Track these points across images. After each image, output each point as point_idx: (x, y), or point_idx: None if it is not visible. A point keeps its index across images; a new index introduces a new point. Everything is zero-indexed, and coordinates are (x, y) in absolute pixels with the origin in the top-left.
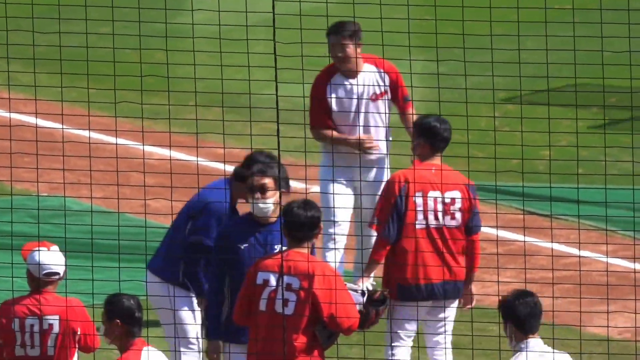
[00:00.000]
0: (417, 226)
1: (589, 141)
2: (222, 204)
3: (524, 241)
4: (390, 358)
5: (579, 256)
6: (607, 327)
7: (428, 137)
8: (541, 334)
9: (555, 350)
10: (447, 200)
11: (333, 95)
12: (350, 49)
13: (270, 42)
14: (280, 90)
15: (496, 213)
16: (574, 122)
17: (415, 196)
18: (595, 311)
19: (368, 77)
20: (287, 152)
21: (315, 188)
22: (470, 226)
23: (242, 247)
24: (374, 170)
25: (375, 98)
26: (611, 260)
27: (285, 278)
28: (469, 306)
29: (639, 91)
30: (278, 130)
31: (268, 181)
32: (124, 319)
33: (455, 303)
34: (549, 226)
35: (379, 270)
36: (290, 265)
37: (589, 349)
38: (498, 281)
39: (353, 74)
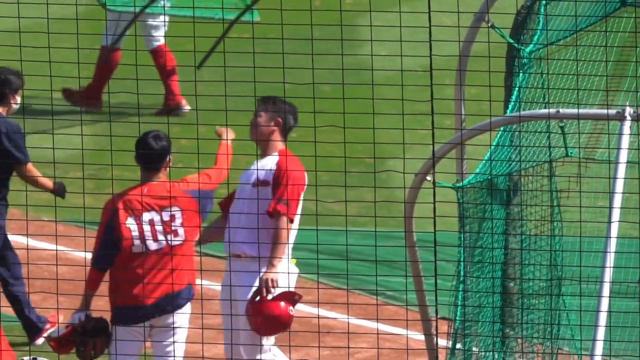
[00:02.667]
0: (134, 251)
1: None
2: None
3: (201, 284)
4: None
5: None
6: None
7: (138, 157)
8: None
9: None
10: (167, 218)
11: None
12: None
13: None
14: None
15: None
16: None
17: (127, 222)
18: None
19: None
20: None
21: None
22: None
23: None
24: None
25: (255, 184)
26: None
27: None
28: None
29: (322, 126)
30: None
31: None
32: None
33: (178, 317)
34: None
35: None
36: None
37: None
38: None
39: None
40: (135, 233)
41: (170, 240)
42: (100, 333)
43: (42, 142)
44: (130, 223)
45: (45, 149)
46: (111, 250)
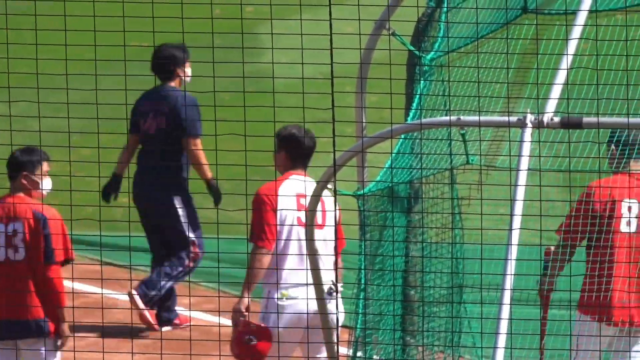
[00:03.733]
0: None
1: None
2: None
3: (102, 294)
4: None
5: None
6: None
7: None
8: None
9: None
10: (10, 233)
11: None
12: None
13: None
14: None
15: (71, 264)
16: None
17: None
18: None
19: None
20: None
21: None
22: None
23: None
24: None
25: None
26: (194, 314)
27: None
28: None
29: (222, 134)
30: None
31: None
32: None
33: (38, 343)
34: (127, 277)
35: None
36: None
37: None
38: (74, 335)
39: None
40: None
41: (10, 256)
42: None
43: None
44: None
45: None
46: None
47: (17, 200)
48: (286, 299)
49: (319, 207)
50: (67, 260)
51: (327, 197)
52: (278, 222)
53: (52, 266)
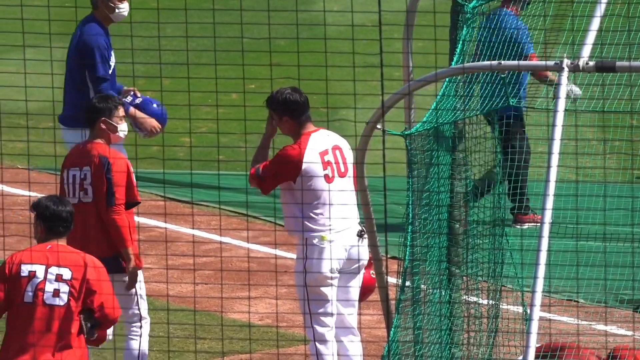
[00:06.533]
0: None
1: (229, 128)
2: None
3: (165, 228)
4: None
5: (220, 242)
6: (249, 312)
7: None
8: (181, 319)
9: None
10: (82, 177)
11: None
12: None
13: None
14: None
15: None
16: (213, 109)
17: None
18: (236, 297)
19: None
20: None
21: None
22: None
23: None
24: None
25: None
26: (252, 247)
27: (55, 269)
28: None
29: (278, 78)
30: None
31: None
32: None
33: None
34: (189, 212)
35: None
36: (58, 256)
37: (230, 335)
38: (141, 268)
39: None
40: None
41: (83, 197)
42: None
43: (15, 94)
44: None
45: (18, 101)
46: None
47: (93, 146)
48: (326, 241)
49: (338, 159)
50: (132, 203)
51: (348, 150)
52: (303, 174)
53: (113, 208)
